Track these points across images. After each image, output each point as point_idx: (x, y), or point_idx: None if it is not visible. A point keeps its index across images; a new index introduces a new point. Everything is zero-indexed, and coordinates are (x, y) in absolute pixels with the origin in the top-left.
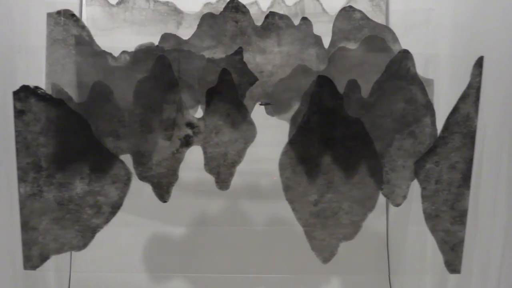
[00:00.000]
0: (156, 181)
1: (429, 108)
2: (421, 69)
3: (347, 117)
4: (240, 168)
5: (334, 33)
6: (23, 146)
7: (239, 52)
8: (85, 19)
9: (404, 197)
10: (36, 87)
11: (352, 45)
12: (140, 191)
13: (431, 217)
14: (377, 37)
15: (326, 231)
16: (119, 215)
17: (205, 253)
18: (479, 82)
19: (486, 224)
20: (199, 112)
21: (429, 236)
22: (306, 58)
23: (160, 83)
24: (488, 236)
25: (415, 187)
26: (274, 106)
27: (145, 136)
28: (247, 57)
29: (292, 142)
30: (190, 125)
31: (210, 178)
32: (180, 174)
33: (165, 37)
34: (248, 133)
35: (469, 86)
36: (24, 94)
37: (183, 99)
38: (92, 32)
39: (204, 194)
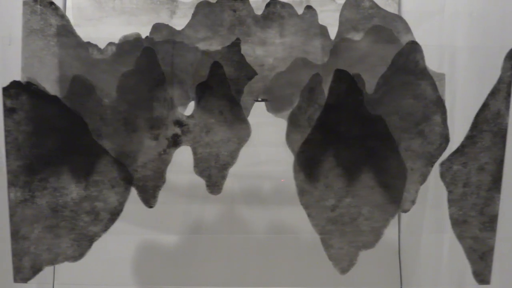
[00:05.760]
0: (141, 185)
1: (439, 105)
2: (436, 62)
3: (368, 115)
4: (238, 170)
5: (341, 23)
6: (13, 147)
7: (237, 43)
8: (70, 8)
9: (413, 202)
10: (29, 83)
11: (359, 36)
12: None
13: (458, 223)
14: (383, 27)
15: (345, 238)
16: None
17: (200, 263)
18: (511, 76)
19: None
20: (191, 110)
21: (443, 245)
22: (311, 50)
23: (146, 77)
24: None
25: (427, 193)
26: (272, 103)
27: (130, 135)
28: (246, 49)
29: (308, 142)
30: (178, 123)
31: (202, 182)
32: (170, 177)
33: (157, 27)
34: (242, 132)
35: (500, 81)
36: (15, 90)
37: (172, 95)
38: (78, 22)
39: (199, 199)
